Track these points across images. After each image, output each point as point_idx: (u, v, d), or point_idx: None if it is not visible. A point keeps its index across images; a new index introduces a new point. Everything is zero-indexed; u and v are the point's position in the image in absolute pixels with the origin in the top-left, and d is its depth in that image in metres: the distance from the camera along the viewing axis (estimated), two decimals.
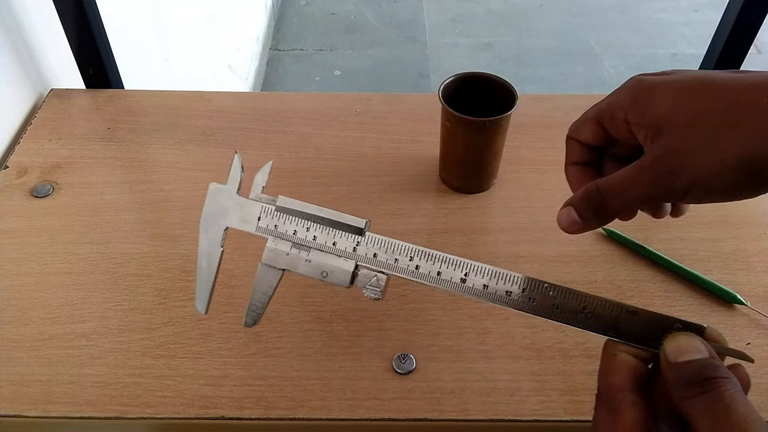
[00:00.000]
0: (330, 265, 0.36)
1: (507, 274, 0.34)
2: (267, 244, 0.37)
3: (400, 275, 0.35)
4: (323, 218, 0.36)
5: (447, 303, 0.51)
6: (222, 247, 0.38)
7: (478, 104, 0.56)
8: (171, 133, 0.67)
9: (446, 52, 2.17)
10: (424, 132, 0.67)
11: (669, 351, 0.30)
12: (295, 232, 0.37)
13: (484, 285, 0.34)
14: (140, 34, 0.98)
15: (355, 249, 0.36)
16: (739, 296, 0.51)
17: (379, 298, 0.36)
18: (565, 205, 0.37)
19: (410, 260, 0.35)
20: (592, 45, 2.20)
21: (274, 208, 0.37)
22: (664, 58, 2.14)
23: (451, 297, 0.51)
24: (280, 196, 0.37)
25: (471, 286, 0.34)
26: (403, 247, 0.35)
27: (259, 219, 0.37)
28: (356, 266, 0.36)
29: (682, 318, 0.31)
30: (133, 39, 0.92)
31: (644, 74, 0.36)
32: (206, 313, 0.40)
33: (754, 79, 0.32)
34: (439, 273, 0.35)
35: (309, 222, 0.36)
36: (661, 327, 0.31)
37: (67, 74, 0.74)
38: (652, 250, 0.54)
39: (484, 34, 2.26)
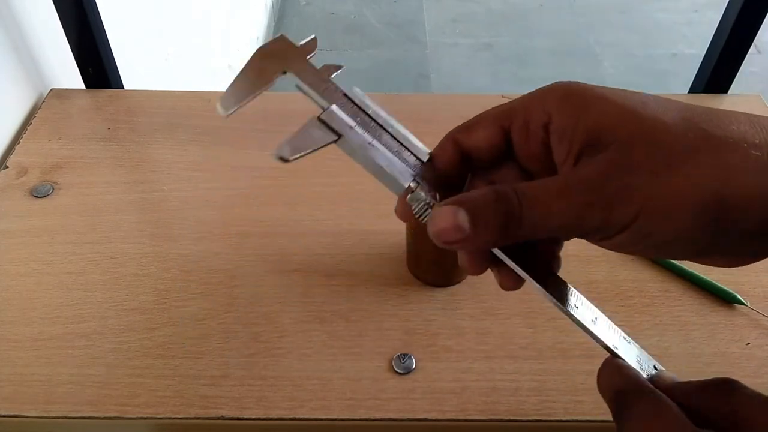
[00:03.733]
0: (392, 160, 0.31)
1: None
2: (332, 107, 0.31)
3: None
4: (394, 127, 0.32)
5: (447, 303, 0.51)
6: (269, 83, 0.31)
7: None
8: (171, 133, 0.67)
9: (446, 52, 2.17)
10: (424, 132, 0.67)
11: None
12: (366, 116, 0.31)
13: None
14: (140, 34, 0.98)
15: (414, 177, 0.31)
16: (739, 296, 0.51)
17: None
18: (447, 203, 0.27)
19: None
20: (592, 45, 2.20)
21: (343, 88, 0.32)
22: (664, 58, 2.14)
23: (450, 296, 0.51)
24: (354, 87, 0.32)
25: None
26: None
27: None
28: (417, 183, 0.31)
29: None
30: (133, 39, 0.92)
31: (567, 82, 0.28)
32: (227, 114, 0.31)
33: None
34: None
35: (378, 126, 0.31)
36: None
37: (67, 74, 0.74)
38: None
39: (484, 34, 2.26)
